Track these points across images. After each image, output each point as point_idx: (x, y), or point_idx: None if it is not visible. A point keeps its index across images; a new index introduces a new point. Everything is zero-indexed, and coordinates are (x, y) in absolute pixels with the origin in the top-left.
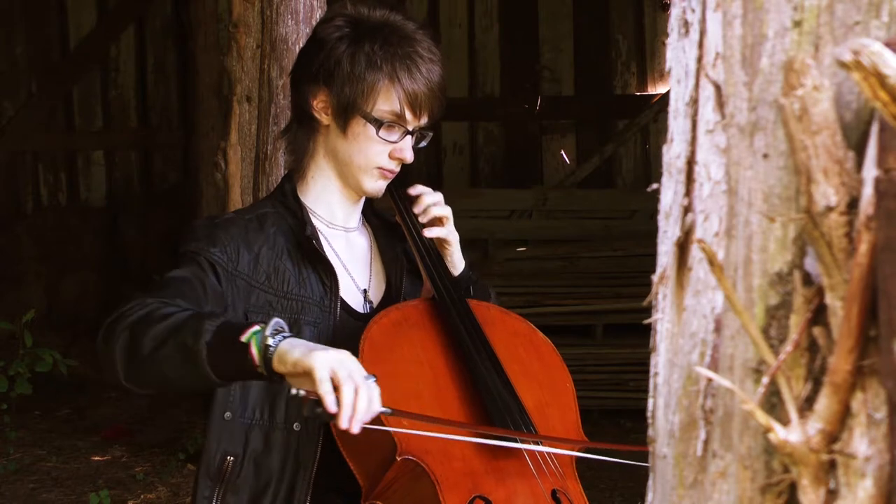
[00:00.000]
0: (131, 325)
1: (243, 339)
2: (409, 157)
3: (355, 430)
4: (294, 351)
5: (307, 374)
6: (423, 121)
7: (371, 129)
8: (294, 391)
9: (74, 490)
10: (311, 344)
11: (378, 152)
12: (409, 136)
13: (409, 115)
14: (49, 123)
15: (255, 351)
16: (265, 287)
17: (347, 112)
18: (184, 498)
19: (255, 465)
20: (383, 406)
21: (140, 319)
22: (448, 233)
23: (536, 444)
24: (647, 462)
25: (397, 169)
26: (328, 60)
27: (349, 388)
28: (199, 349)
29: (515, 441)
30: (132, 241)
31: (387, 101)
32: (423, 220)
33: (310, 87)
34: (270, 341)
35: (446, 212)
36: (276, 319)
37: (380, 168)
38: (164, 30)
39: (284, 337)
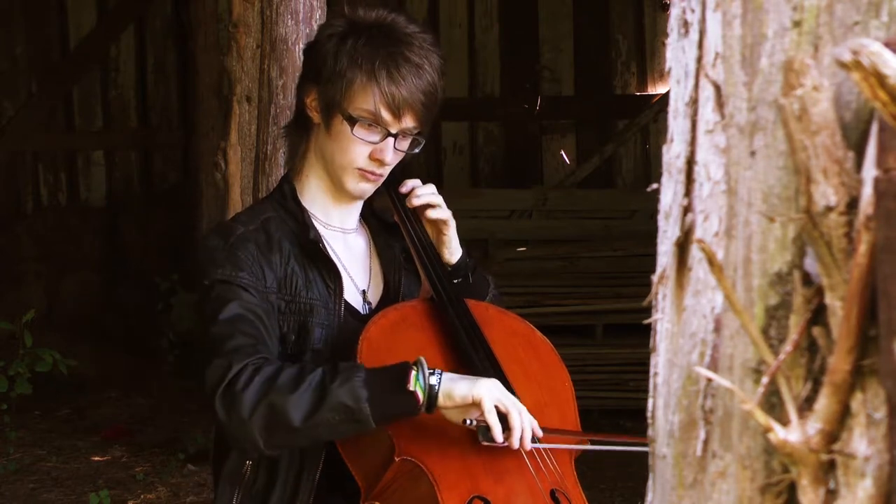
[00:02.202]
0: (261, 397)
1: (410, 387)
2: (388, 158)
3: (527, 448)
4: (458, 387)
5: (475, 405)
6: (407, 124)
7: (349, 127)
8: (468, 422)
9: (74, 490)
10: (463, 376)
11: (358, 153)
12: (390, 139)
13: (386, 116)
14: (49, 123)
15: (420, 395)
16: (278, 294)
17: (330, 109)
18: (184, 498)
19: (266, 469)
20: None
21: (267, 390)
22: (438, 214)
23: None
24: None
25: (379, 171)
26: (318, 58)
27: (516, 413)
28: (362, 408)
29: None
30: (132, 241)
31: (364, 100)
32: (416, 203)
33: (304, 87)
34: (433, 380)
35: (438, 200)
36: (420, 359)
37: (360, 169)
38: (164, 30)
39: (439, 374)
